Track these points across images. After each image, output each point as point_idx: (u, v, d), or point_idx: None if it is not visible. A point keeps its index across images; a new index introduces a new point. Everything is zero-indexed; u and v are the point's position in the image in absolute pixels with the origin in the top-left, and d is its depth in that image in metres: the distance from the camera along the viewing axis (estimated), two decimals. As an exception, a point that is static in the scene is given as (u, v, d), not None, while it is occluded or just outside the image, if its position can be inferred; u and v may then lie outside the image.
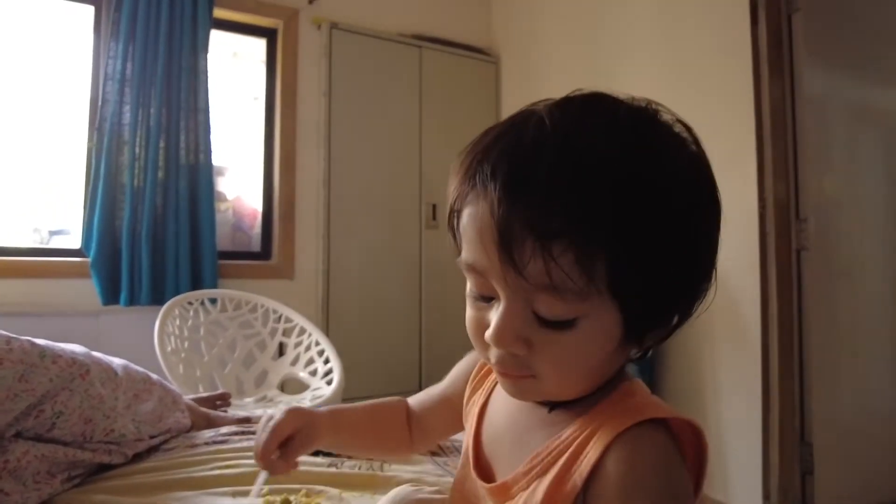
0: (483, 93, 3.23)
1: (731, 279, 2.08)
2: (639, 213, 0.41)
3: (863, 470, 2.08)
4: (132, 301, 2.33)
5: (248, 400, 2.04)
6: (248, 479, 0.95)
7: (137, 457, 1.05)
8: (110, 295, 2.33)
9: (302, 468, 1.01)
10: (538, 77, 3.01)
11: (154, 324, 2.02)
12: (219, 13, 2.61)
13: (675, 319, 0.48)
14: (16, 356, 0.90)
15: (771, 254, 1.95)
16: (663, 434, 0.46)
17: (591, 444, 0.46)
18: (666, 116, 0.48)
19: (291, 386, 2.23)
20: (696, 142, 0.48)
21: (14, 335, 0.95)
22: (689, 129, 0.48)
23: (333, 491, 0.93)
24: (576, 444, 0.47)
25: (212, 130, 2.53)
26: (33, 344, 0.95)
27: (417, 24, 3.09)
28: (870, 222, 2.27)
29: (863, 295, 2.21)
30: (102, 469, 0.98)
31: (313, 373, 2.13)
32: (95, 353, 1.07)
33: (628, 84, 2.48)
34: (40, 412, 0.89)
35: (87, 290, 2.32)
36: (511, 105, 3.22)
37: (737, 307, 2.06)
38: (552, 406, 0.51)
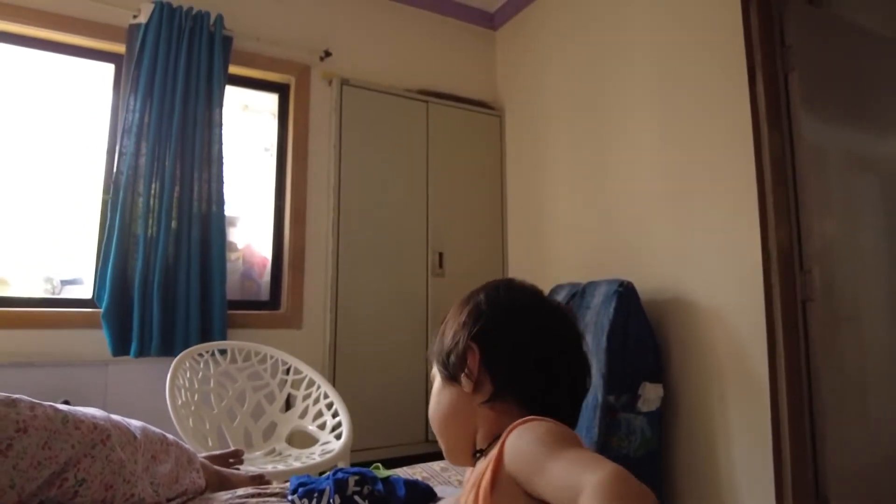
0: (488, 145, 3.31)
1: (737, 332, 2.09)
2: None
3: (880, 525, 2.04)
4: (142, 352, 2.33)
5: (257, 453, 2.03)
6: (267, 546, 0.95)
7: (155, 521, 1.04)
8: (120, 346, 2.33)
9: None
10: (541, 129, 3.09)
11: (161, 374, 2.03)
12: (232, 69, 2.70)
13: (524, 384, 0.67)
14: (40, 423, 0.91)
15: (776, 306, 1.96)
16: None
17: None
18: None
19: (300, 439, 2.22)
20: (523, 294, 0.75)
21: (38, 401, 0.97)
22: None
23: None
24: (492, 451, 0.61)
25: (225, 181, 2.59)
26: (56, 409, 0.96)
27: (424, 79, 3.20)
28: (872, 269, 2.29)
29: (869, 342, 2.22)
30: (121, 535, 0.98)
31: (322, 426, 2.12)
32: (114, 416, 1.08)
33: (630, 140, 2.55)
34: (63, 480, 0.89)
35: (97, 340, 2.33)
36: (515, 156, 3.29)
37: (744, 360, 2.06)
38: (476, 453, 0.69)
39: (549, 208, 3.02)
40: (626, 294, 2.16)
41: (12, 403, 0.91)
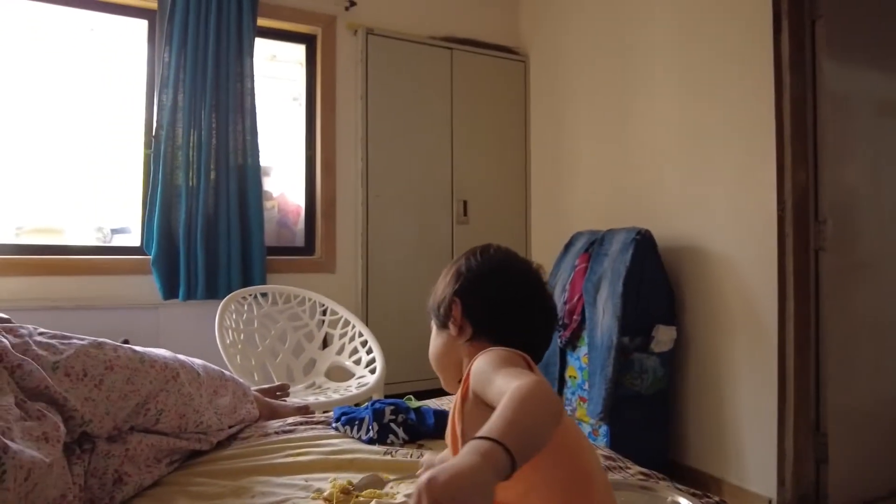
0: (512, 91, 3.32)
1: (750, 279, 2.17)
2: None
3: (876, 459, 2.17)
4: (189, 296, 2.52)
5: (298, 387, 2.24)
6: (317, 465, 1.12)
7: (220, 444, 1.23)
8: (169, 290, 2.53)
9: (359, 455, 1.17)
10: (565, 74, 3.09)
11: (208, 316, 2.22)
12: (261, 22, 2.75)
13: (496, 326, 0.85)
14: (122, 362, 1.08)
15: (789, 254, 2.03)
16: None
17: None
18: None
19: (337, 374, 2.42)
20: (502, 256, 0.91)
21: (118, 343, 1.13)
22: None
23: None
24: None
25: (258, 133, 2.70)
26: (134, 351, 1.13)
27: (448, 26, 3.20)
28: (890, 218, 2.32)
29: (880, 290, 2.28)
30: (193, 455, 1.17)
31: (357, 362, 2.32)
32: (180, 356, 1.25)
33: (653, 84, 2.56)
34: (147, 410, 1.07)
35: (146, 284, 2.53)
36: (539, 103, 3.31)
37: (754, 305, 2.15)
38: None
39: (572, 156, 3.06)
40: (643, 242, 2.25)
41: (99, 346, 1.07)
